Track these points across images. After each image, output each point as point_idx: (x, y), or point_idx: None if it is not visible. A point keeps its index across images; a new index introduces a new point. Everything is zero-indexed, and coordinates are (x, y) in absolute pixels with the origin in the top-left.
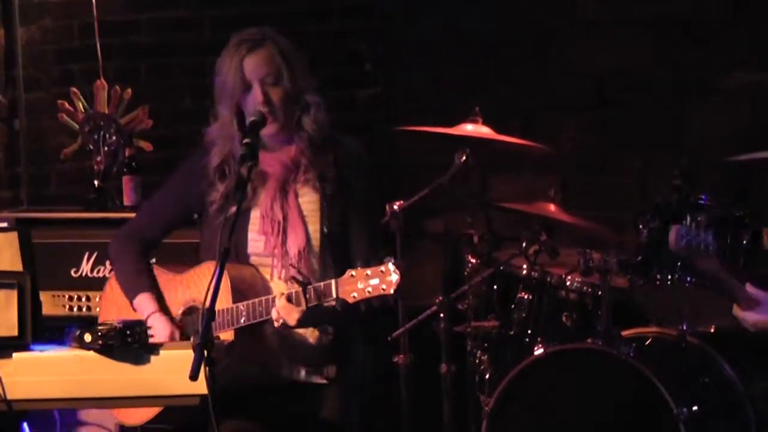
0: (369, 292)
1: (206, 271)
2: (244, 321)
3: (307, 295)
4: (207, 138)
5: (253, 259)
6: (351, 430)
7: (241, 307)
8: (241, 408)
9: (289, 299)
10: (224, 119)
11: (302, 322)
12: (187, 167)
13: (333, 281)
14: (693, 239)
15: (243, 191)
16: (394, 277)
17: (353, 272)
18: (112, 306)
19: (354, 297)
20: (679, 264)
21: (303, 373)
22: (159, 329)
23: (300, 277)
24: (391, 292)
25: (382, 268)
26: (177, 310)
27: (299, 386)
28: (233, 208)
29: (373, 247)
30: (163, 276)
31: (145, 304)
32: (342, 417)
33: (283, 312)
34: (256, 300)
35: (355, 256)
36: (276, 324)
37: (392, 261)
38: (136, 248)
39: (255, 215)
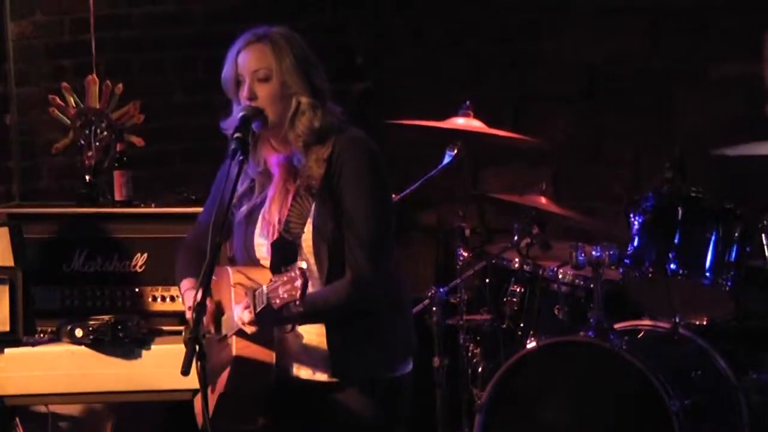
0: (284, 297)
1: (224, 273)
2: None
3: (255, 302)
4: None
5: (264, 263)
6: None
7: None
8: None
9: (246, 307)
10: (234, 114)
11: (265, 326)
12: (221, 168)
13: (264, 287)
14: None
15: (234, 187)
16: (299, 282)
17: (274, 278)
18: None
19: (277, 303)
20: (670, 256)
21: (309, 372)
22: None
23: (249, 284)
24: (297, 296)
25: (291, 273)
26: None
27: (308, 386)
28: (243, 208)
29: (368, 246)
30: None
31: (186, 283)
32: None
33: (240, 321)
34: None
35: (347, 255)
36: (248, 331)
37: (298, 266)
38: (190, 257)
39: (260, 218)
